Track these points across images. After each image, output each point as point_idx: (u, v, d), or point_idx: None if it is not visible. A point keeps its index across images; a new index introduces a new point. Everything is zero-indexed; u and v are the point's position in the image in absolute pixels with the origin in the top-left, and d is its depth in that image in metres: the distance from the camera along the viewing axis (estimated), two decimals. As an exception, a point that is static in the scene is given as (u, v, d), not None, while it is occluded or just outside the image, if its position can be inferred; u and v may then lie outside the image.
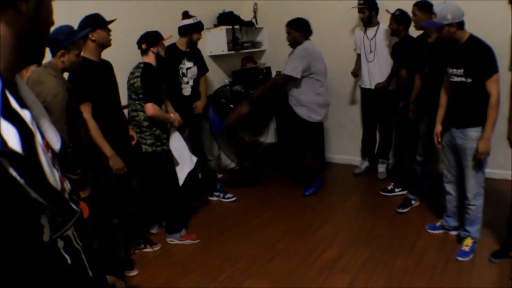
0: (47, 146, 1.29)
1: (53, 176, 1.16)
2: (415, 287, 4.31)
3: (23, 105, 1.15)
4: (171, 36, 5.39)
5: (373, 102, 7.10)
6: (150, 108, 5.02)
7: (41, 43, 1.34)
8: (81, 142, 4.05)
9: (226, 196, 6.75)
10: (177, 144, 5.54)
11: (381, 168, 7.33)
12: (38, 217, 1.11)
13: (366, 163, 7.60)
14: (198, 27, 6.15)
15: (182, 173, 5.56)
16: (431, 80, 5.33)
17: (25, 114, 1.11)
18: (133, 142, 5.09)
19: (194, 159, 5.72)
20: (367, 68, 7.05)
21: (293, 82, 6.34)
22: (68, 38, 3.88)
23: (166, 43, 5.45)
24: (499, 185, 6.41)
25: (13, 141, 1.01)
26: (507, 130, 4.50)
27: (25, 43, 1.24)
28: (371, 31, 6.94)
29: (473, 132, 4.56)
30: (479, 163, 4.62)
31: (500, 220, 5.25)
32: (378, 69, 6.92)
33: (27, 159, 1.04)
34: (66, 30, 3.90)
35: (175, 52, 6.06)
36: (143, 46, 5.19)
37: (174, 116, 5.34)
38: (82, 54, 4.21)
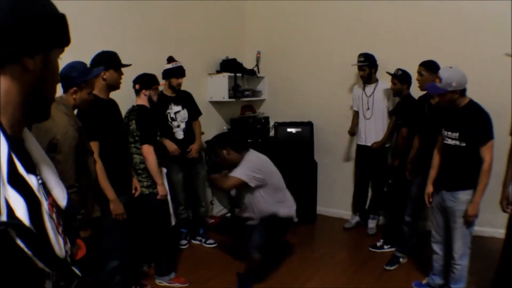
0: (53, 204, 1.31)
1: (58, 243, 1.19)
2: None
3: (29, 168, 1.17)
4: (164, 83, 5.49)
5: (368, 159, 7.10)
6: (146, 149, 5.02)
7: (47, 101, 1.37)
8: (90, 180, 4.04)
9: (207, 242, 6.73)
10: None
11: (372, 223, 7.31)
12: (43, 282, 1.15)
13: (356, 218, 7.59)
14: (176, 72, 6.14)
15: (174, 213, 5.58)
16: (429, 142, 5.36)
17: (32, 181, 1.14)
18: (136, 194, 5.07)
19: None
20: (364, 125, 7.08)
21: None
22: (81, 76, 3.85)
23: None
24: (487, 243, 6.45)
25: (21, 211, 1.03)
26: (501, 194, 4.55)
27: (32, 100, 1.28)
28: (369, 88, 7.00)
29: (463, 195, 4.59)
30: (468, 225, 4.64)
31: (484, 277, 5.29)
32: (375, 126, 6.96)
33: (34, 231, 1.07)
34: (79, 67, 3.88)
35: (162, 98, 6.05)
36: (137, 87, 5.23)
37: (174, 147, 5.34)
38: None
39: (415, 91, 6.17)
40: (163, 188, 5.11)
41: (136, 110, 5.16)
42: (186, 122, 6.30)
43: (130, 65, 4.62)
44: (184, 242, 6.65)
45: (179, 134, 6.24)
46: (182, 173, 6.24)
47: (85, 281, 3.81)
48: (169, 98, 6.22)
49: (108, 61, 4.43)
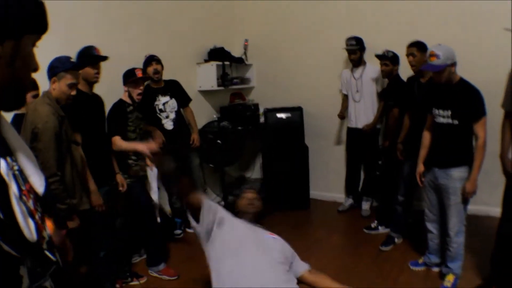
0: (30, 190, 1.31)
1: (28, 228, 1.18)
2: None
3: (1, 152, 1.16)
4: (140, 75, 5.22)
5: (359, 141, 7.13)
6: (114, 142, 5.04)
7: (20, 88, 1.35)
8: (76, 170, 4.06)
9: None
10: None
11: (365, 205, 7.37)
12: (17, 268, 1.14)
13: (350, 201, 7.63)
14: (145, 63, 6.12)
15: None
16: (420, 122, 5.38)
17: (1, 165, 1.14)
18: (122, 189, 5.11)
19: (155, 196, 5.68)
20: (354, 107, 7.10)
21: None
22: (61, 66, 3.92)
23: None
24: (482, 222, 6.49)
25: None
26: (502, 166, 4.56)
27: (2, 87, 1.26)
28: (358, 71, 7.01)
29: (457, 172, 4.63)
30: (464, 201, 4.68)
31: (482, 256, 5.34)
32: (364, 109, 6.98)
33: (1, 214, 1.06)
34: (63, 59, 3.96)
35: (148, 91, 6.02)
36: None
37: (143, 145, 5.19)
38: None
39: (403, 72, 6.24)
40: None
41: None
42: (175, 111, 6.30)
43: (104, 58, 4.62)
44: (178, 231, 6.66)
45: (169, 125, 6.23)
46: (175, 163, 6.17)
47: (79, 270, 3.85)
48: (156, 89, 6.21)
49: (83, 56, 4.52)
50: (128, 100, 5.22)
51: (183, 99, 6.51)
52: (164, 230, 5.96)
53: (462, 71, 4.69)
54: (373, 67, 6.85)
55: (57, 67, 3.92)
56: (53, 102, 3.92)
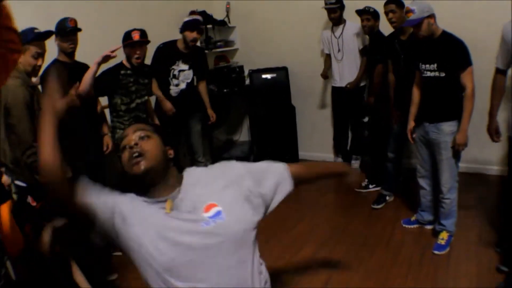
0: None
1: None
2: (392, 282, 4.35)
3: None
4: (136, 37, 4.96)
5: (345, 100, 7.10)
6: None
7: None
8: None
9: None
10: None
11: (355, 164, 7.39)
12: None
13: (339, 159, 7.64)
14: (189, 25, 5.80)
15: None
16: (404, 77, 5.37)
17: None
18: (108, 151, 5.08)
19: None
20: (337, 67, 7.07)
21: None
22: (24, 39, 3.88)
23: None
24: (473, 179, 6.54)
25: None
26: (488, 124, 4.58)
27: None
28: (338, 30, 6.96)
29: (447, 127, 4.62)
30: (456, 156, 4.68)
31: (475, 214, 5.44)
32: (348, 67, 6.95)
33: None
34: (26, 31, 3.88)
35: (172, 51, 5.91)
36: None
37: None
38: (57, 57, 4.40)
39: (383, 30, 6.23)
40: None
41: None
42: (187, 83, 6.07)
43: (74, 30, 4.56)
44: None
45: (175, 92, 6.00)
46: (170, 129, 5.94)
47: (68, 257, 3.84)
48: (180, 53, 5.96)
49: (55, 30, 4.46)
50: (127, 64, 5.06)
51: (201, 72, 6.33)
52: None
53: (451, 28, 4.66)
54: (353, 25, 6.79)
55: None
56: (22, 74, 3.88)
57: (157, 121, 5.64)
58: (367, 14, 6.25)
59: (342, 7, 6.78)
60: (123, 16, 6.11)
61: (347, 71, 6.97)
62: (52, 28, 4.38)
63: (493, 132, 4.56)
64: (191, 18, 5.89)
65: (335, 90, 7.24)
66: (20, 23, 2.09)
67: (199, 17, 5.99)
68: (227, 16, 8.13)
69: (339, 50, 6.97)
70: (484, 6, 6.21)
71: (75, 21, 4.54)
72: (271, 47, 8.05)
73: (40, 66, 4.01)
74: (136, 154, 2.26)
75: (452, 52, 4.48)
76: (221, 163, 2.66)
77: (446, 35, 4.56)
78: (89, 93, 4.62)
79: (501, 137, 4.60)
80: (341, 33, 6.91)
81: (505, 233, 4.57)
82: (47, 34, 4.08)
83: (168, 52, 5.86)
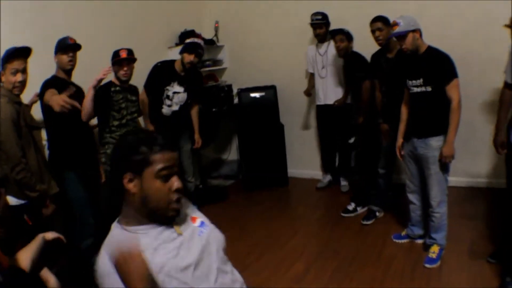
0: None
1: None
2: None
3: None
4: (124, 55, 5.04)
5: (330, 118, 7.08)
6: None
7: None
8: (39, 155, 4.03)
9: None
10: None
11: (344, 181, 7.41)
12: None
13: (328, 177, 7.65)
14: (187, 48, 5.83)
15: None
16: (392, 94, 5.42)
17: None
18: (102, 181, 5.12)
19: None
20: (321, 84, 7.08)
21: None
22: (3, 59, 3.92)
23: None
24: (464, 192, 6.60)
25: None
26: (494, 137, 4.62)
27: None
28: (323, 47, 6.99)
29: (435, 142, 4.64)
30: (443, 169, 4.71)
31: (465, 227, 5.47)
32: (333, 84, 6.95)
33: None
34: (7, 51, 3.92)
35: (169, 71, 5.92)
36: None
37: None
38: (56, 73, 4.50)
39: (364, 51, 6.24)
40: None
41: None
42: (181, 105, 6.07)
43: (74, 46, 4.62)
44: None
45: (167, 112, 5.99)
46: None
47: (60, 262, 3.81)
48: (176, 75, 5.95)
49: (55, 47, 4.59)
50: (116, 82, 5.13)
51: (196, 97, 6.34)
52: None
53: (439, 42, 4.73)
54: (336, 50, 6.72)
55: (1, 60, 3.92)
56: (8, 92, 3.89)
57: (151, 128, 5.79)
58: (341, 34, 6.26)
59: (327, 24, 6.81)
60: (113, 34, 6.13)
61: (331, 88, 6.97)
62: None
63: (499, 145, 4.58)
64: (192, 41, 5.90)
65: (320, 108, 7.24)
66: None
67: (200, 41, 5.98)
68: (216, 35, 8.17)
69: (323, 67, 6.99)
70: (472, 20, 6.30)
71: (74, 40, 4.62)
72: (260, 65, 8.09)
73: (21, 82, 3.98)
74: (179, 199, 2.25)
75: (437, 66, 4.52)
76: None
77: (431, 50, 4.61)
78: (90, 116, 4.75)
79: (505, 150, 4.60)
80: (326, 50, 6.94)
81: (506, 245, 4.59)
82: (23, 50, 4.08)
83: (165, 72, 5.86)
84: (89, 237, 4.54)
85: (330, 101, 6.96)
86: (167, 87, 5.91)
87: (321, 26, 6.81)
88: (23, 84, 4.00)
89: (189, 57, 5.77)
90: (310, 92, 7.34)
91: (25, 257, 2.68)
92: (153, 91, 5.86)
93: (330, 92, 6.97)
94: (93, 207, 4.69)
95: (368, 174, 6.31)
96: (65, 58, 4.56)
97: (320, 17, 6.77)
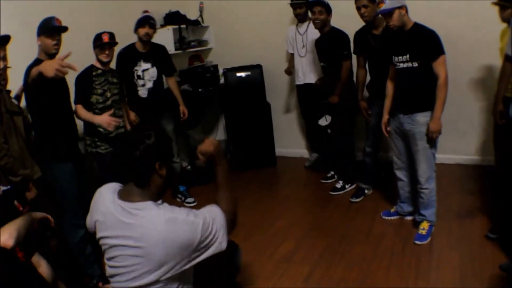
0: None
1: None
2: (374, 273, 4.37)
3: None
4: (106, 39, 5.02)
5: (311, 97, 6.98)
6: (77, 110, 4.92)
7: None
8: (21, 140, 3.98)
9: (186, 200, 6.59)
10: None
11: (312, 156, 7.57)
12: None
13: (315, 155, 7.63)
14: (138, 23, 5.84)
15: None
16: (379, 71, 5.39)
17: None
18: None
19: None
20: (301, 63, 7.02)
21: None
22: None
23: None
24: (452, 170, 6.61)
25: None
26: (493, 107, 4.70)
27: None
28: (303, 27, 6.92)
29: (421, 117, 4.64)
30: (431, 144, 4.70)
31: (454, 204, 5.50)
32: (313, 63, 6.89)
33: None
34: None
35: (132, 53, 5.93)
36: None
37: (102, 118, 4.87)
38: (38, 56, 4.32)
39: (349, 27, 6.11)
40: (103, 119, 4.85)
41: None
42: (154, 81, 6.05)
43: (60, 28, 4.44)
44: (190, 200, 6.59)
45: (143, 93, 6.00)
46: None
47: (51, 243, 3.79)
48: (139, 54, 5.97)
49: (39, 28, 4.39)
50: (98, 65, 5.10)
51: (167, 68, 6.31)
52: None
53: (426, 22, 4.70)
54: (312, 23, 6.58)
55: None
56: None
57: (132, 115, 5.78)
58: (320, 6, 6.00)
59: (307, 3, 6.58)
60: (95, 17, 6.09)
61: (310, 67, 6.92)
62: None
63: (497, 114, 4.61)
64: (141, 16, 5.89)
65: (300, 88, 7.20)
66: None
67: (149, 13, 5.94)
68: (201, 16, 8.12)
69: (303, 46, 6.92)
70: (460, 2, 6.28)
71: (60, 21, 4.46)
72: (245, 45, 8.06)
73: (1, 70, 3.92)
74: None
75: (424, 42, 4.51)
76: None
77: (417, 26, 4.60)
78: None
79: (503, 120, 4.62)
80: (306, 30, 6.86)
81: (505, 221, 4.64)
82: (1, 38, 4.01)
83: (129, 55, 5.87)
84: (80, 229, 4.47)
85: (310, 80, 6.91)
86: (135, 68, 5.94)
87: (300, 6, 6.73)
88: (3, 71, 3.94)
89: (143, 30, 5.80)
90: (290, 70, 7.30)
91: (11, 226, 2.69)
92: (125, 77, 5.83)
93: (310, 71, 6.93)
94: (84, 198, 4.62)
95: (346, 152, 6.39)
96: (50, 41, 4.37)
97: None
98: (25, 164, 3.94)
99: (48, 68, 3.63)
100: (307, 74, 6.96)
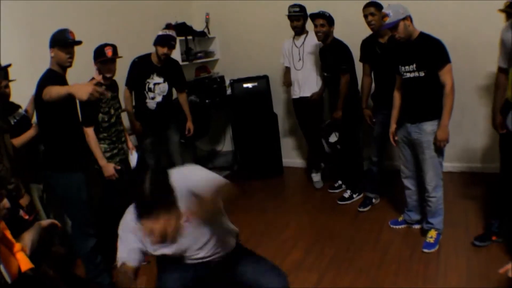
0: None
1: None
2: (382, 281, 4.40)
3: None
4: (110, 54, 4.94)
5: (306, 111, 6.95)
6: (86, 132, 4.80)
7: None
8: (9, 157, 4.03)
9: None
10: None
11: (316, 177, 7.26)
12: None
13: (319, 176, 7.35)
14: (161, 41, 5.80)
15: None
16: (384, 80, 5.43)
17: None
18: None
19: None
20: (296, 77, 6.93)
21: None
22: None
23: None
24: (458, 178, 6.63)
25: None
26: (492, 119, 4.72)
27: None
28: (299, 39, 6.84)
29: (429, 126, 4.67)
30: (438, 153, 4.73)
31: (462, 211, 5.52)
32: (308, 76, 6.81)
33: None
34: None
35: (146, 65, 5.92)
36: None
37: (106, 166, 4.88)
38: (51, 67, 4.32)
39: (352, 37, 6.19)
40: (107, 168, 4.90)
41: None
42: (164, 96, 6.04)
43: (78, 42, 4.43)
44: None
45: (151, 106, 6.00)
46: (149, 139, 5.86)
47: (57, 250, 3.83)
48: (153, 67, 5.96)
49: (52, 39, 4.37)
50: (100, 80, 4.96)
51: (178, 84, 6.36)
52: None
53: (431, 29, 4.75)
54: (315, 36, 6.49)
55: None
56: None
57: (137, 125, 5.86)
58: (322, 19, 6.08)
59: (305, 16, 6.62)
60: (101, 28, 6.09)
61: (306, 80, 6.83)
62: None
63: (498, 125, 4.64)
64: (164, 33, 5.88)
65: (296, 102, 7.08)
66: None
67: (172, 33, 5.94)
68: (207, 27, 8.15)
69: (299, 59, 6.83)
70: (462, 5, 6.32)
71: (73, 34, 4.45)
72: (251, 56, 8.07)
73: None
74: None
75: (430, 51, 4.54)
76: None
77: (423, 36, 4.63)
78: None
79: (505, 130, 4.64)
80: (303, 42, 6.80)
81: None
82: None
83: (143, 66, 5.87)
84: (91, 238, 4.49)
85: (305, 93, 6.84)
86: (147, 80, 5.92)
87: (298, 18, 6.64)
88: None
89: (162, 50, 5.78)
90: (290, 82, 7.11)
91: (27, 238, 2.80)
92: (135, 86, 5.90)
93: (306, 84, 6.83)
94: (92, 208, 4.64)
95: (354, 163, 6.46)
96: (64, 55, 4.34)
97: (297, 9, 6.62)
98: (18, 173, 4.01)
99: (82, 91, 3.69)
100: (303, 87, 6.87)
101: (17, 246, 2.88)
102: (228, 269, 3.33)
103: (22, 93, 4.67)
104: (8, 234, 2.89)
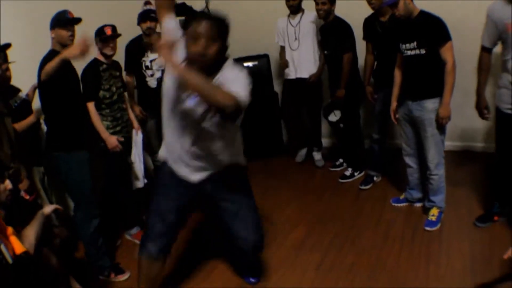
0: None
1: None
2: (385, 259, 4.42)
3: None
4: (109, 33, 4.98)
5: (298, 93, 6.93)
6: (89, 108, 4.86)
7: None
8: (10, 141, 4.02)
9: None
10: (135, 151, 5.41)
11: (317, 155, 7.27)
12: None
13: (304, 150, 7.51)
14: (140, 18, 5.84)
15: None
16: (385, 58, 5.42)
17: None
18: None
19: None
20: (291, 57, 6.89)
21: None
22: None
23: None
24: (459, 156, 6.63)
25: None
26: (476, 101, 4.70)
27: None
28: (295, 18, 6.78)
29: (430, 104, 4.66)
30: (440, 130, 4.72)
31: (463, 190, 5.53)
32: (305, 56, 6.76)
33: None
34: None
35: (138, 45, 5.91)
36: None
37: (112, 140, 4.92)
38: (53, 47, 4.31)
39: (352, 16, 6.17)
40: (110, 140, 4.93)
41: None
42: (162, 70, 5.81)
43: (75, 20, 4.42)
44: None
45: (152, 83, 5.95)
46: (153, 120, 5.90)
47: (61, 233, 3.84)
48: (145, 45, 5.94)
49: (52, 21, 4.38)
50: (101, 58, 5.05)
51: None
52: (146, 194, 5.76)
53: (431, 9, 4.71)
54: (311, 14, 6.55)
55: None
56: None
57: (137, 110, 5.81)
58: None
59: None
60: (99, 10, 6.04)
61: (303, 61, 6.78)
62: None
63: (482, 109, 4.65)
64: (142, 10, 5.89)
65: (290, 82, 7.04)
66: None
67: (150, 6, 5.88)
68: (207, 7, 8.10)
69: (295, 39, 6.79)
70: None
71: (72, 14, 4.44)
72: (252, 34, 7.98)
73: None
74: None
75: (431, 28, 4.53)
76: None
77: (424, 14, 4.61)
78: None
79: (490, 114, 4.68)
80: (299, 21, 6.73)
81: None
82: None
83: (135, 47, 5.86)
84: (94, 219, 4.48)
85: (303, 74, 6.81)
86: (143, 59, 5.91)
87: None
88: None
89: (145, 25, 5.79)
90: (286, 63, 7.06)
91: (30, 233, 2.79)
92: (134, 68, 5.89)
93: (303, 65, 6.79)
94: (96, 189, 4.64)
95: (355, 141, 6.48)
96: (65, 33, 4.35)
97: None
98: (15, 159, 4.00)
99: (71, 50, 3.87)
100: (300, 68, 6.82)
101: (10, 230, 2.88)
102: (217, 195, 3.73)
103: (22, 76, 4.63)
104: None
